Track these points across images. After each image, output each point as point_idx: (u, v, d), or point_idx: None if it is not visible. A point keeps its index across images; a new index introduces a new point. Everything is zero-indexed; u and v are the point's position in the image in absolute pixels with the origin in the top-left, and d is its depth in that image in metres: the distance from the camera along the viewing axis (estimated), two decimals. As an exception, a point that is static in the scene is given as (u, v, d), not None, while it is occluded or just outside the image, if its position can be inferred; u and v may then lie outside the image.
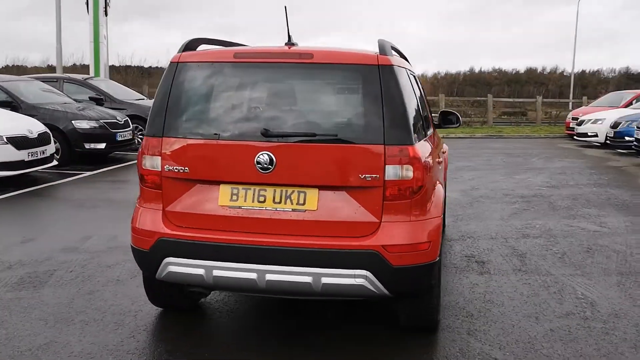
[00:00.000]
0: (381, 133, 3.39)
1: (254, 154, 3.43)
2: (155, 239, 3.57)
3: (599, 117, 18.31)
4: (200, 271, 3.49)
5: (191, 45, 3.82)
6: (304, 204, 3.43)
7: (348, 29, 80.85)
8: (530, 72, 57.32)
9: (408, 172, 3.39)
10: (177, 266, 3.53)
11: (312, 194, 3.43)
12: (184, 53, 3.71)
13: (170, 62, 3.72)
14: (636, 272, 5.38)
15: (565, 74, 54.19)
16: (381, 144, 3.39)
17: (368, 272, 3.35)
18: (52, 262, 5.46)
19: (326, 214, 3.42)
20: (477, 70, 58.29)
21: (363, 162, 3.39)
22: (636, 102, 20.24)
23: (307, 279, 3.37)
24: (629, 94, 21.91)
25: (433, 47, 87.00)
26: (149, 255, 3.62)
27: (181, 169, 3.57)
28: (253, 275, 3.42)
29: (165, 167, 3.60)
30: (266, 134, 3.44)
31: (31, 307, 4.39)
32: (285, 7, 3.83)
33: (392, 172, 3.38)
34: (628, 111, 17.92)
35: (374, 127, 3.41)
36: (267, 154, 3.41)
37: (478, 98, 29.98)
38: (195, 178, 3.57)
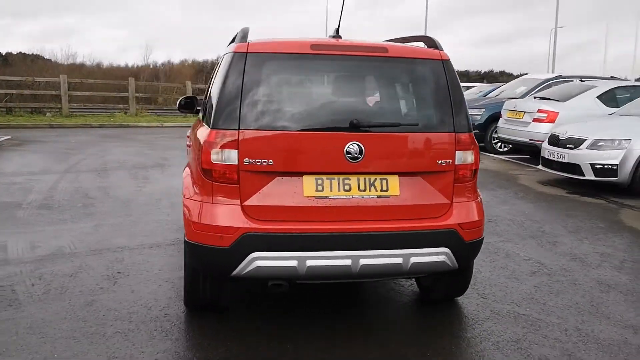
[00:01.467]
0: (452, 122, 3.73)
1: (343, 144, 3.53)
2: (239, 235, 3.46)
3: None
4: (293, 263, 3.49)
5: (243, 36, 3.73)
6: (387, 190, 3.63)
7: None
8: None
9: (470, 157, 3.79)
10: (266, 260, 3.48)
11: (394, 181, 3.65)
12: (250, 43, 3.61)
13: (235, 52, 3.59)
14: (539, 235, 6.41)
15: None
16: (452, 131, 3.73)
17: (447, 248, 3.68)
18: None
19: (408, 199, 3.66)
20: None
21: (439, 148, 3.70)
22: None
23: (399, 260, 3.60)
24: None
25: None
26: (229, 252, 3.49)
27: (265, 162, 3.51)
28: (347, 262, 3.53)
29: (244, 160, 3.50)
30: (355, 125, 3.55)
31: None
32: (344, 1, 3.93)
33: (460, 157, 3.75)
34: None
35: (445, 116, 3.73)
36: (357, 144, 3.53)
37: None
38: (278, 170, 3.53)
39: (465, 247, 3.76)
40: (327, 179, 3.58)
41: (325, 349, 3.63)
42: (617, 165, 8.42)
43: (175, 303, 4.26)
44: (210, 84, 4.29)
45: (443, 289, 4.30)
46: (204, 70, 42.20)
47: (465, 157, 3.77)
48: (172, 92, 25.85)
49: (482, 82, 39.89)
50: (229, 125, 3.51)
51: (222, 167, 3.52)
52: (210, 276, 3.81)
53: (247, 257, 3.47)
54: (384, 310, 4.32)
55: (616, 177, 8.48)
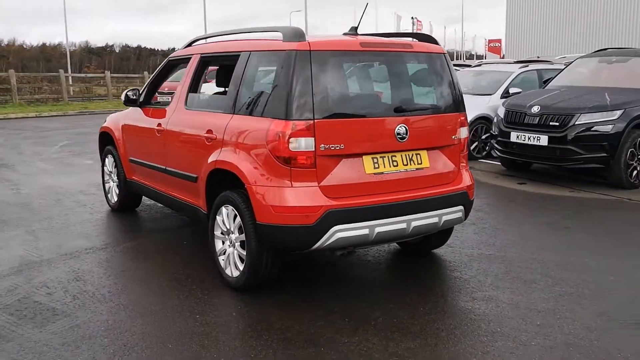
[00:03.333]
0: (458, 104, 4.61)
1: (394, 126, 4.19)
2: (322, 212, 3.94)
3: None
4: (365, 231, 4.08)
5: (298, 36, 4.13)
6: (421, 163, 4.39)
7: None
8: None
9: (466, 131, 4.72)
10: (345, 232, 4.01)
11: (424, 155, 4.42)
12: (311, 42, 4.04)
13: (298, 50, 4.00)
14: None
15: (25, 46, 54.54)
16: (459, 112, 4.61)
17: (462, 206, 4.59)
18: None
19: (435, 169, 4.47)
20: None
21: (452, 126, 4.56)
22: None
23: (436, 220, 4.40)
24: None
25: None
26: (313, 228, 3.94)
27: (337, 147, 4.01)
28: (403, 225, 4.23)
29: (320, 146, 3.96)
30: (402, 109, 4.24)
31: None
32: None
33: (464, 132, 4.66)
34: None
35: (454, 99, 4.60)
36: (404, 126, 4.23)
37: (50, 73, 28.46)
38: (346, 153, 4.06)
39: (470, 204, 4.69)
40: (380, 157, 4.21)
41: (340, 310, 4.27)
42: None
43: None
44: (241, 79, 4.47)
45: (433, 242, 5.17)
46: None
47: (465, 132, 4.68)
48: None
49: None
50: (305, 115, 3.93)
51: (301, 154, 3.93)
52: (279, 253, 4.17)
53: (329, 231, 3.97)
54: (371, 279, 5.06)
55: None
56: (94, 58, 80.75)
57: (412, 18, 53.24)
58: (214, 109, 4.84)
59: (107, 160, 6.74)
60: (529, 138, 8.34)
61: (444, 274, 4.87)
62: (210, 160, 4.55)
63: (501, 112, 8.97)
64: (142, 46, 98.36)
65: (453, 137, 4.55)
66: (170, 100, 5.56)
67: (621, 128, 7.84)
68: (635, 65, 8.95)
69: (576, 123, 7.91)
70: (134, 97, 5.99)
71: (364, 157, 4.15)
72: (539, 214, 6.82)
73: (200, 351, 3.51)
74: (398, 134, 4.20)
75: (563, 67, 10.84)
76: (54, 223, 6.24)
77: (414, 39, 4.74)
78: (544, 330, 3.76)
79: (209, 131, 4.60)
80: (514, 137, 8.55)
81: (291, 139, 3.91)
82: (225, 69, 5.16)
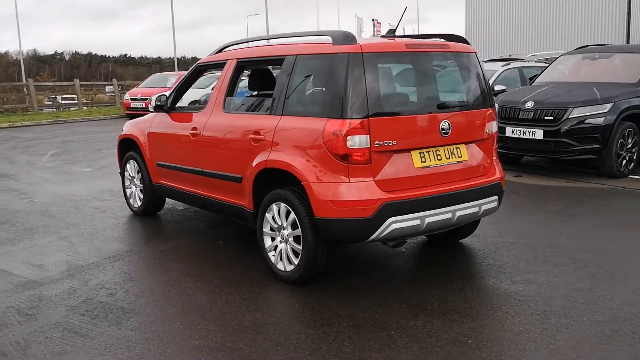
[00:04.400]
0: (489, 99, 4.93)
1: (439, 122, 4.48)
2: (379, 205, 4.20)
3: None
4: (417, 222, 4.35)
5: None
6: (461, 156, 4.69)
7: None
8: None
9: (496, 125, 5.04)
10: (399, 223, 4.28)
11: (463, 149, 4.72)
12: (362, 45, 4.29)
13: (351, 53, 4.25)
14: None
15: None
16: (490, 107, 4.93)
17: (497, 196, 4.91)
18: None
19: (472, 162, 4.77)
20: None
21: (486, 121, 4.87)
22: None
23: (476, 209, 4.71)
24: (174, 76, 24.80)
25: None
26: (370, 220, 4.20)
27: (390, 143, 4.28)
28: (449, 215, 4.52)
29: (375, 143, 4.22)
30: (445, 106, 4.53)
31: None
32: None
33: (494, 126, 4.98)
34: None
35: (486, 95, 4.91)
36: (447, 122, 4.52)
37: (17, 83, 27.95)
38: (397, 149, 4.33)
39: (502, 193, 5.01)
40: (426, 152, 4.49)
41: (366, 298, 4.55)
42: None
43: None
44: (288, 82, 4.69)
45: (463, 232, 5.47)
46: None
47: (495, 126, 4.99)
48: None
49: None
50: (360, 114, 4.19)
51: (357, 150, 4.19)
52: (334, 245, 4.42)
53: (385, 223, 4.23)
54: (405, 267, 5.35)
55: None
56: (43, 67, 79.41)
57: (373, 20, 54.01)
58: (257, 112, 5.05)
59: (128, 165, 6.85)
60: (524, 132, 8.75)
61: (478, 261, 5.17)
62: (258, 160, 4.75)
63: (494, 109, 9.36)
64: (93, 53, 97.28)
65: (487, 130, 4.86)
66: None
67: (612, 120, 8.31)
68: (619, 61, 9.48)
69: (570, 117, 8.35)
70: (161, 103, 6.14)
71: (412, 152, 4.42)
72: (544, 203, 7.21)
73: (280, 339, 3.72)
74: (442, 129, 4.49)
75: (541, 65, 11.33)
76: (82, 229, 6.33)
77: (442, 39, 5.02)
78: (591, 307, 4.09)
79: (256, 132, 4.80)
80: (508, 131, 8.94)
81: (348, 137, 4.16)
82: (262, 73, 5.37)
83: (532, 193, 7.85)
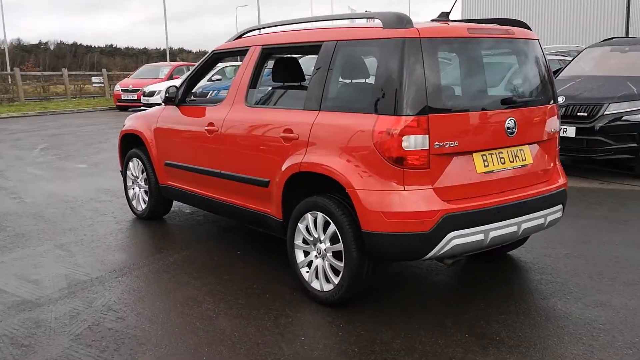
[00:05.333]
0: (552, 94, 4.30)
1: (504, 120, 3.85)
2: (439, 217, 3.57)
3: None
4: (481, 236, 3.73)
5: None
6: (525, 160, 4.07)
7: None
8: None
9: (559, 123, 4.42)
10: (461, 238, 3.65)
11: (527, 150, 4.10)
12: (420, 29, 3.65)
13: (407, 38, 3.61)
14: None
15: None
16: (554, 103, 4.31)
17: (561, 205, 4.29)
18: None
19: (537, 166, 4.15)
20: None
21: (550, 118, 4.24)
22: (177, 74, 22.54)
23: (542, 221, 4.10)
24: (166, 67, 24.04)
25: None
26: (429, 235, 3.57)
27: (451, 144, 3.65)
28: (515, 228, 3.90)
29: (434, 144, 3.59)
30: (511, 101, 3.90)
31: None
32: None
33: (558, 125, 4.36)
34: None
35: (549, 89, 4.28)
36: (513, 119, 3.89)
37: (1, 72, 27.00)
38: (458, 151, 3.70)
39: (566, 201, 4.39)
40: (488, 154, 3.87)
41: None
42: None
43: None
44: (327, 72, 4.04)
45: (513, 244, 4.86)
46: None
47: (558, 124, 4.37)
48: None
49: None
50: (417, 110, 3.55)
51: (414, 153, 3.55)
52: (383, 262, 3.80)
53: (445, 238, 3.60)
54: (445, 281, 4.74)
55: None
56: (27, 56, 78.19)
57: (366, 11, 53.36)
58: (288, 106, 4.40)
59: (131, 164, 6.18)
60: (554, 130, 8.14)
61: (535, 277, 4.56)
62: (290, 162, 4.11)
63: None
64: (78, 43, 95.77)
65: (551, 129, 4.24)
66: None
67: (651, 117, 7.73)
68: (652, 54, 8.89)
69: (605, 113, 7.77)
70: (171, 95, 5.47)
71: (474, 154, 3.79)
72: (585, 207, 6.62)
73: (331, 381, 3.09)
74: (508, 128, 3.87)
75: (557, 58, 10.71)
76: (81, 236, 5.66)
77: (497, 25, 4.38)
78: (688, 337, 3.49)
79: (288, 130, 4.15)
80: (536, 129, 8.33)
81: (403, 137, 3.52)
82: (289, 62, 4.72)
83: (570, 195, 7.24)
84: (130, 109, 20.96)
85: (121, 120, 6.76)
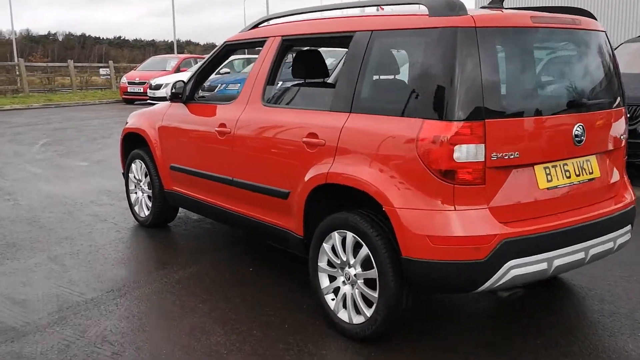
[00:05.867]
0: (621, 95, 3.69)
1: (572, 126, 3.25)
2: (496, 242, 2.97)
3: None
4: (544, 265, 3.13)
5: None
6: (592, 172, 3.46)
7: None
8: None
9: (627, 130, 3.80)
10: (521, 268, 3.06)
11: (594, 161, 3.49)
12: (476, 17, 3.04)
13: (460, 27, 3.00)
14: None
15: None
16: (624, 105, 3.69)
17: (631, 226, 3.68)
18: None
19: (604, 180, 3.55)
20: None
21: (620, 124, 3.63)
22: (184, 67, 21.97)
23: (611, 245, 3.49)
24: (174, 59, 23.48)
25: None
26: (485, 264, 2.97)
27: (511, 155, 3.05)
28: (582, 255, 3.30)
29: (491, 155, 2.99)
30: (579, 104, 3.30)
31: None
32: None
33: (626, 130, 3.74)
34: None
35: (618, 90, 3.67)
36: (582, 126, 3.29)
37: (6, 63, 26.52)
38: (518, 163, 3.10)
39: (634, 220, 3.78)
40: (551, 167, 3.27)
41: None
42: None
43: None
44: (360, 67, 3.43)
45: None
46: None
47: (627, 130, 3.76)
48: None
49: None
50: (472, 114, 2.96)
51: (467, 165, 2.96)
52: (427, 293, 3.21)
53: (503, 267, 3.01)
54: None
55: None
56: (36, 47, 78.04)
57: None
58: (311, 106, 3.80)
59: (133, 166, 5.61)
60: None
61: (594, 307, 3.96)
62: (315, 172, 3.53)
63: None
64: (87, 34, 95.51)
65: (620, 136, 3.64)
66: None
67: (699, 120, 7.08)
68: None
69: (649, 115, 7.11)
70: (178, 91, 4.88)
71: (535, 167, 3.19)
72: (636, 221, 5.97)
73: None
74: (575, 135, 3.26)
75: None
76: (78, 246, 5.10)
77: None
78: None
79: (312, 135, 3.57)
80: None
81: (456, 147, 2.92)
82: (312, 55, 4.14)
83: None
84: (137, 102, 20.44)
85: (127, 114, 6.19)
